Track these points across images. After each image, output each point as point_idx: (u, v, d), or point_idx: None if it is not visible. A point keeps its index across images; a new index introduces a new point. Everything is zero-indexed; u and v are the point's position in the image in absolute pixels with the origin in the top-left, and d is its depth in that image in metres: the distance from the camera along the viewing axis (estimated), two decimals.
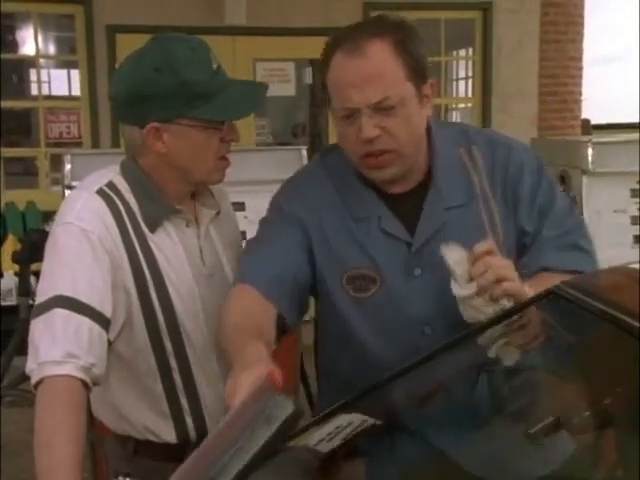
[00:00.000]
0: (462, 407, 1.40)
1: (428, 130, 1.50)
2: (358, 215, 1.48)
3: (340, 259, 1.47)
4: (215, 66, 1.42)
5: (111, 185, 1.46)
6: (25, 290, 2.93)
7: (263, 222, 1.56)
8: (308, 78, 7.65)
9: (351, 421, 1.35)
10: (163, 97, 1.38)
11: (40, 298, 1.33)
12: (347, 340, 1.51)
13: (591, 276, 1.38)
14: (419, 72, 1.41)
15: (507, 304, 1.28)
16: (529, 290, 1.31)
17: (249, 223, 3.06)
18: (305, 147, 3.32)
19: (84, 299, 1.32)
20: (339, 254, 1.47)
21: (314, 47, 6.98)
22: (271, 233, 1.50)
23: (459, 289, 1.29)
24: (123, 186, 1.47)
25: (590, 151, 3.05)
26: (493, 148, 1.51)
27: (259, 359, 1.14)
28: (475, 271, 1.27)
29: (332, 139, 6.66)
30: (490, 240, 1.33)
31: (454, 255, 1.31)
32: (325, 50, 1.43)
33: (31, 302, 2.85)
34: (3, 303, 5.17)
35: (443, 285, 1.39)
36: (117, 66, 1.43)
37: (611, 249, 2.99)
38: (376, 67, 1.37)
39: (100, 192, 1.44)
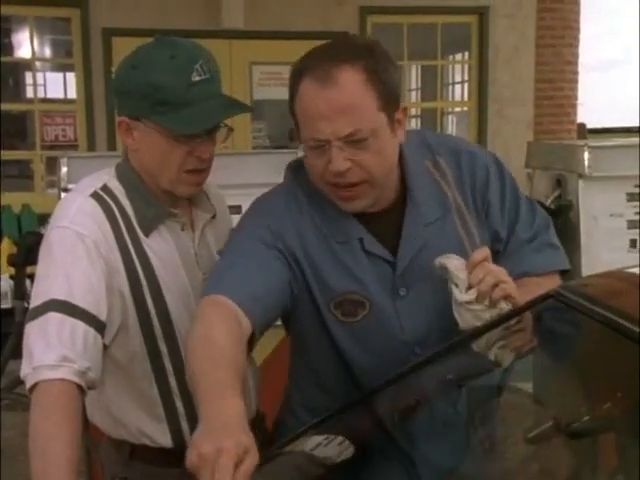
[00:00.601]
0: (445, 420, 1.40)
1: (401, 154, 1.43)
2: (339, 238, 1.41)
3: (327, 284, 1.40)
4: (197, 79, 1.38)
5: (106, 188, 1.46)
6: (21, 293, 2.92)
7: (241, 234, 1.43)
8: None
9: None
10: (133, 94, 1.40)
11: (35, 302, 1.32)
12: (335, 360, 1.46)
13: (588, 280, 1.38)
14: (391, 100, 1.34)
15: (505, 307, 1.29)
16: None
17: None
18: (301, 150, 3.31)
19: (79, 303, 1.31)
20: (326, 278, 1.40)
21: None
22: (253, 248, 1.38)
23: (460, 294, 1.29)
24: (118, 189, 1.46)
25: (587, 155, 3.04)
26: (457, 157, 1.47)
27: (242, 425, 1.01)
28: (475, 277, 1.27)
29: None
30: (486, 248, 1.33)
31: (455, 262, 1.31)
32: (292, 76, 1.35)
33: (27, 305, 2.84)
34: None
35: (428, 303, 1.40)
36: (114, 70, 1.44)
37: (608, 253, 3.00)
38: (348, 98, 1.28)
39: (95, 195, 1.43)
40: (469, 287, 1.28)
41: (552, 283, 1.41)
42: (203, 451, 0.95)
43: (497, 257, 1.45)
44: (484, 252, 1.30)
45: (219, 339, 1.17)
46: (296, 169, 1.48)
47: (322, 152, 1.31)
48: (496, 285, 1.27)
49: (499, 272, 1.29)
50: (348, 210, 1.39)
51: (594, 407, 1.12)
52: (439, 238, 1.41)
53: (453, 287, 1.30)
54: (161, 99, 1.38)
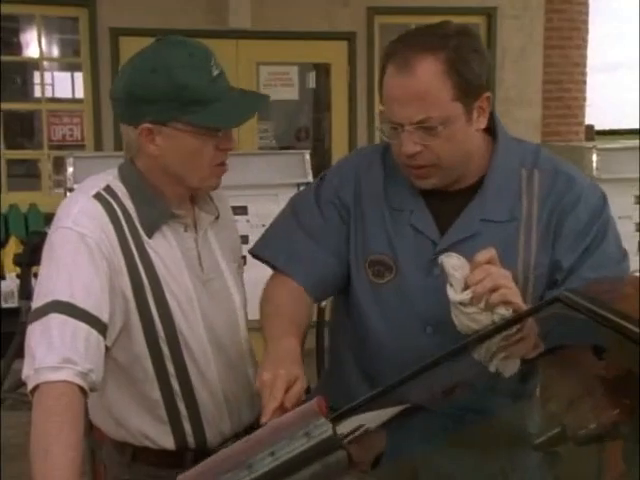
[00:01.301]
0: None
1: (494, 136, 1.50)
2: (394, 206, 1.51)
3: (367, 243, 1.51)
4: (215, 73, 1.41)
5: (108, 189, 1.45)
6: (26, 293, 2.93)
7: (310, 195, 1.59)
8: (311, 82, 7.64)
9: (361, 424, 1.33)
10: (158, 99, 1.38)
11: (37, 302, 1.32)
12: (358, 325, 1.54)
13: (596, 284, 1.36)
14: (470, 90, 1.39)
15: (505, 313, 1.26)
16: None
17: (251, 227, 3.05)
18: (308, 151, 3.30)
19: (81, 304, 1.30)
20: (368, 238, 1.51)
21: (318, 51, 7.02)
22: (318, 223, 1.55)
23: (454, 294, 1.28)
24: (121, 190, 1.45)
25: (595, 157, 3.03)
26: (555, 176, 1.47)
27: (295, 359, 1.29)
28: (473, 277, 1.26)
29: (335, 143, 6.66)
30: (492, 250, 1.30)
31: (453, 261, 1.30)
32: (383, 57, 1.45)
33: (32, 305, 2.84)
34: (4, 305, 5.16)
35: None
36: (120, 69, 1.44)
37: None
38: (421, 87, 1.36)
39: (97, 196, 1.43)
40: (465, 287, 1.27)
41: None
42: (264, 378, 1.23)
43: (554, 287, 1.44)
44: (489, 253, 1.28)
45: (284, 301, 1.48)
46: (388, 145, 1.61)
47: (397, 134, 1.41)
48: (495, 289, 1.25)
49: (501, 276, 1.27)
50: (420, 187, 1.48)
51: (601, 413, 1.10)
52: (492, 238, 1.42)
53: (448, 286, 1.28)
54: (190, 98, 1.37)
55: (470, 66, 1.38)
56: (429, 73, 1.36)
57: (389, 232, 1.50)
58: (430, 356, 1.26)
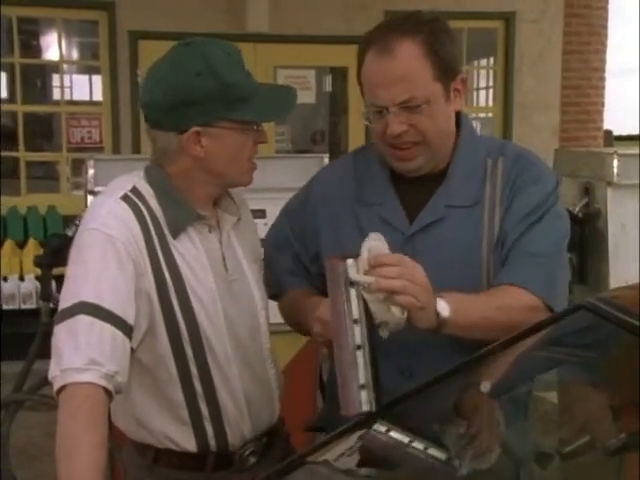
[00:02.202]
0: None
1: (458, 127, 1.56)
2: (366, 200, 1.57)
3: (340, 243, 1.54)
4: (247, 69, 1.45)
5: (135, 191, 1.45)
6: (46, 294, 2.93)
7: (290, 204, 1.74)
8: (328, 86, 7.66)
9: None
10: (205, 101, 1.39)
11: (64, 304, 1.33)
12: None
13: (620, 291, 1.35)
14: (448, 71, 1.47)
15: (399, 316, 1.29)
16: (445, 308, 1.33)
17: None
18: (327, 155, 3.31)
19: (108, 306, 1.31)
20: (340, 238, 1.56)
21: (335, 55, 7.03)
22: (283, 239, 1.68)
23: (354, 273, 1.29)
24: (147, 192, 1.46)
25: (616, 163, 3.00)
26: (516, 160, 1.55)
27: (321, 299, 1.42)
28: (382, 271, 1.28)
29: (352, 146, 6.66)
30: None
31: (372, 243, 1.32)
32: (360, 47, 1.51)
33: (52, 306, 2.86)
34: (24, 306, 5.21)
35: (432, 275, 1.42)
36: (139, 72, 1.45)
37: (636, 262, 2.95)
38: (403, 68, 1.44)
39: (125, 198, 1.43)
40: (367, 272, 1.28)
41: (509, 298, 1.42)
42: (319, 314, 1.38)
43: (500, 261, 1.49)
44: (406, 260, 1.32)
45: (296, 294, 1.63)
46: (360, 147, 1.75)
47: (381, 116, 1.47)
48: (400, 293, 1.27)
49: (414, 282, 1.29)
50: (404, 170, 1.53)
51: (627, 422, 1.09)
52: (457, 222, 1.50)
53: (350, 261, 1.30)
54: (236, 96, 1.40)
55: (446, 48, 1.47)
56: (409, 55, 1.44)
57: (362, 228, 1.52)
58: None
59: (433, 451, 1.27)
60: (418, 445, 1.28)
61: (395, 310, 1.30)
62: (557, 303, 1.46)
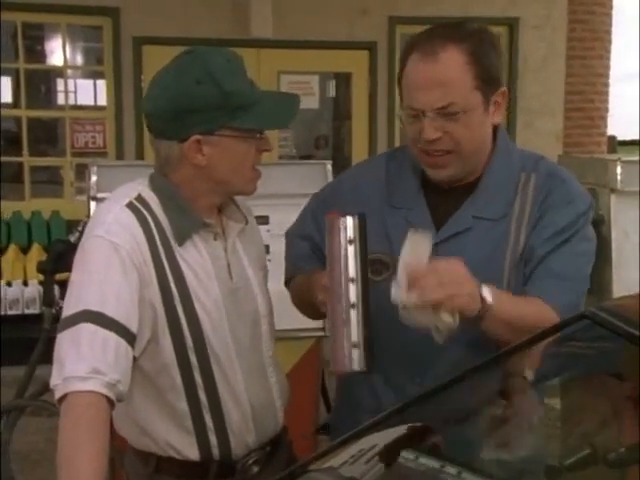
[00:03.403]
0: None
1: (495, 140, 1.55)
2: (395, 204, 1.58)
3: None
4: (249, 77, 1.44)
5: (140, 198, 1.45)
6: (49, 300, 2.93)
7: (317, 195, 1.75)
8: (332, 91, 7.66)
9: (375, 443, 1.33)
10: (205, 109, 1.39)
11: (67, 311, 1.33)
12: None
13: (623, 300, 1.35)
14: (489, 82, 1.47)
15: (449, 321, 1.28)
16: (489, 293, 1.34)
17: (272, 237, 3.05)
18: (330, 161, 3.30)
19: (111, 314, 1.31)
20: (369, 237, 1.54)
21: (338, 60, 7.02)
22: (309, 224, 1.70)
23: (399, 293, 1.28)
24: (152, 199, 1.46)
25: (619, 169, 3.00)
26: (549, 178, 1.53)
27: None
28: (422, 286, 1.27)
29: (355, 151, 6.66)
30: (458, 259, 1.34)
31: (417, 237, 1.31)
32: (404, 49, 1.51)
33: (55, 312, 2.86)
34: (27, 312, 5.21)
35: None
36: (144, 78, 1.45)
37: (638, 270, 2.94)
38: (446, 73, 1.43)
39: (130, 205, 1.43)
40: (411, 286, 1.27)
41: (540, 309, 1.42)
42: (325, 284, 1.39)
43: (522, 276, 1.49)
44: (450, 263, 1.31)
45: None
46: (394, 148, 1.77)
47: (417, 120, 1.46)
48: (447, 299, 1.27)
49: (453, 282, 1.29)
50: (435, 178, 1.53)
51: (630, 433, 1.09)
52: (484, 234, 1.50)
53: (393, 283, 1.29)
54: (236, 104, 1.40)
55: (490, 59, 1.46)
56: (453, 61, 1.43)
57: (388, 231, 1.55)
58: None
59: (467, 475, 1.23)
60: (450, 470, 1.24)
61: (444, 316, 1.28)
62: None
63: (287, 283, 1.74)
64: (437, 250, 1.49)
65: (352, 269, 1.33)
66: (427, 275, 1.28)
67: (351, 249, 1.33)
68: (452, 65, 1.43)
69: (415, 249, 1.31)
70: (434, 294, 1.27)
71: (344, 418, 1.61)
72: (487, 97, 1.46)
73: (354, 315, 1.33)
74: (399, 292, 1.29)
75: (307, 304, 1.60)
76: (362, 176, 1.68)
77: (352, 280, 1.33)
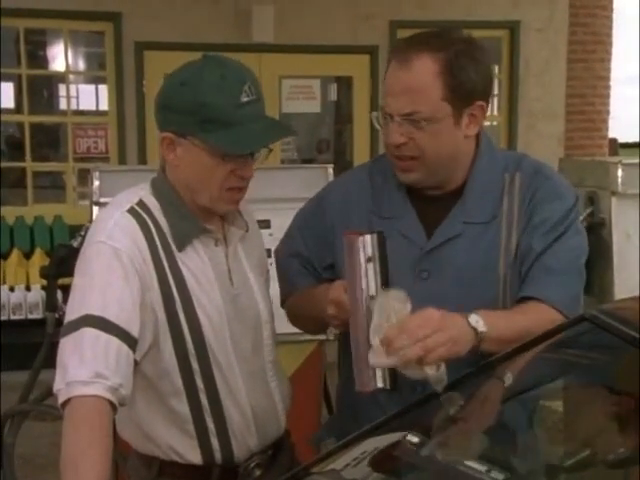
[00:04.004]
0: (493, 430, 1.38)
1: (478, 145, 1.56)
2: (383, 214, 1.57)
3: None
4: (245, 100, 1.39)
5: (142, 204, 1.47)
6: (52, 305, 2.94)
7: (299, 215, 1.74)
8: (333, 95, 7.68)
9: (377, 446, 1.34)
10: (178, 111, 1.41)
11: (70, 316, 1.34)
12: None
13: (624, 303, 1.36)
14: (462, 95, 1.46)
15: (433, 372, 1.25)
16: (479, 321, 1.32)
17: (274, 241, 3.05)
18: (331, 165, 3.31)
19: (113, 319, 1.32)
20: None
21: (340, 64, 7.03)
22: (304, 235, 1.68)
23: (380, 361, 1.27)
24: (154, 205, 1.47)
25: (620, 172, 3.00)
26: (534, 175, 1.54)
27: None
28: (399, 343, 1.25)
29: (356, 155, 6.67)
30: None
31: (392, 303, 1.28)
32: (389, 55, 1.54)
33: (58, 317, 2.87)
34: (30, 316, 5.22)
35: (446, 291, 1.46)
36: (146, 84, 1.46)
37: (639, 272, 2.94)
38: (415, 81, 1.45)
39: (131, 211, 1.45)
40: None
41: (538, 315, 1.41)
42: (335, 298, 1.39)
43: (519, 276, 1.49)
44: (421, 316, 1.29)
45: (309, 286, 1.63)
46: (376, 157, 1.75)
47: (387, 123, 1.49)
48: (428, 352, 1.24)
49: (430, 336, 1.25)
50: (404, 181, 1.55)
51: (630, 436, 1.09)
52: (475, 238, 1.50)
53: (370, 351, 1.27)
54: (209, 117, 1.38)
55: (466, 72, 1.46)
56: (424, 69, 1.44)
57: None
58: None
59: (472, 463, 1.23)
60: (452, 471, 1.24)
61: (428, 369, 1.25)
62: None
63: (283, 303, 1.73)
64: (430, 257, 1.51)
65: (373, 287, 1.33)
66: (399, 336, 1.25)
67: (370, 267, 1.33)
68: (422, 74, 1.44)
69: (386, 309, 1.29)
70: (411, 353, 1.24)
71: (345, 426, 1.60)
72: (459, 109, 1.46)
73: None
74: (377, 359, 1.27)
75: (310, 319, 1.60)
76: (346, 188, 1.66)
77: (372, 298, 1.32)
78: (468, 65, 1.46)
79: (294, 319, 1.73)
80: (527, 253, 1.49)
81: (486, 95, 1.51)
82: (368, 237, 1.34)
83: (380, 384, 1.34)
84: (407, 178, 1.53)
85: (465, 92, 1.46)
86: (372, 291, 1.32)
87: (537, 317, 1.42)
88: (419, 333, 1.25)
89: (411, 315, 1.29)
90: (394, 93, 1.47)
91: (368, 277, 1.33)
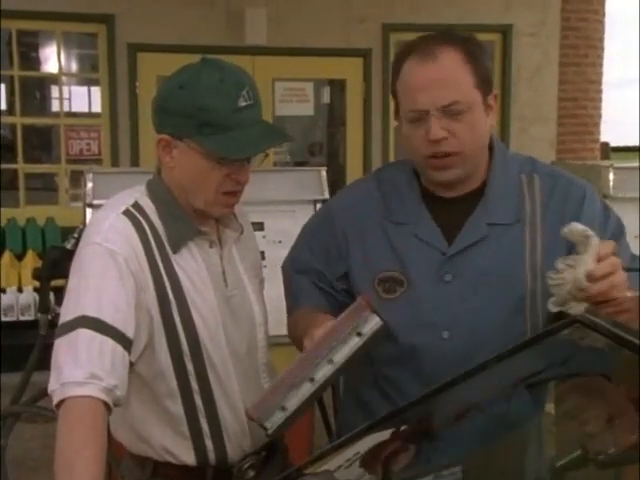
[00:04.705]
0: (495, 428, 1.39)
1: (491, 145, 1.56)
2: (397, 219, 1.55)
3: (373, 262, 1.53)
4: (243, 104, 1.39)
5: (137, 206, 1.47)
6: (45, 306, 2.94)
7: (307, 228, 1.71)
8: (326, 98, 7.69)
9: (370, 447, 1.34)
10: (176, 114, 1.41)
11: (64, 317, 1.34)
12: None
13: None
14: (486, 82, 1.48)
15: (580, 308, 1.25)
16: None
17: (267, 243, 3.06)
18: (324, 168, 3.32)
19: (108, 320, 1.32)
20: (372, 257, 1.54)
21: (333, 67, 7.06)
22: (316, 250, 1.64)
23: (581, 278, 1.24)
24: (149, 207, 1.48)
25: (612, 176, 3.03)
26: (555, 180, 1.54)
27: (329, 318, 1.39)
28: (601, 270, 1.25)
29: (349, 158, 6.69)
30: (611, 242, 1.32)
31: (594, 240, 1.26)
32: (397, 57, 1.51)
33: (50, 318, 2.87)
34: (22, 318, 5.21)
35: (471, 294, 1.45)
36: (138, 85, 1.46)
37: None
38: (447, 72, 1.43)
39: (127, 213, 1.45)
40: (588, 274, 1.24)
41: None
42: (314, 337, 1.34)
43: None
44: (611, 245, 1.30)
45: (304, 310, 1.59)
46: (381, 167, 1.74)
47: (420, 123, 1.44)
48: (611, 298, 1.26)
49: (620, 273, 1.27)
50: (441, 180, 1.50)
51: (622, 436, 1.10)
52: (499, 240, 1.48)
53: (579, 261, 1.25)
54: (206, 121, 1.38)
55: (483, 60, 1.48)
56: (453, 60, 1.44)
57: (395, 247, 1.52)
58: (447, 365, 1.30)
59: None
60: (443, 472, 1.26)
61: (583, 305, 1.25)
62: None
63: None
64: (453, 261, 1.48)
65: (340, 355, 1.30)
66: (603, 264, 1.26)
67: (354, 340, 1.30)
68: (452, 64, 1.43)
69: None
70: (614, 279, 1.26)
71: (352, 422, 1.60)
72: (485, 97, 1.47)
73: (306, 388, 1.31)
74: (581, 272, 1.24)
75: (299, 340, 1.56)
76: (353, 198, 1.63)
77: (332, 362, 1.30)
78: (483, 55, 1.49)
79: (292, 337, 1.70)
80: None
81: (493, 83, 1.53)
82: (375, 318, 1.31)
83: (267, 425, 1.32)
84: (446, 176, 1.48)
85: (487, 79, 1.48)
86: (337, 357, 1.30)
87: None
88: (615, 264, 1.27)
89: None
90: (425, 87, 1.42)
91: (345, 344, 1.30)
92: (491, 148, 1.55)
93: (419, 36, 1.52)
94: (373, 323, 1.31)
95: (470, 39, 1.50)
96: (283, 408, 1.31)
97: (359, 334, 1.30)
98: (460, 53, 1.44)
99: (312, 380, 1.30)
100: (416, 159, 1.52)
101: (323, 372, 1.29)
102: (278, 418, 1.31)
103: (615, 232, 1.51)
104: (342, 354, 1.29)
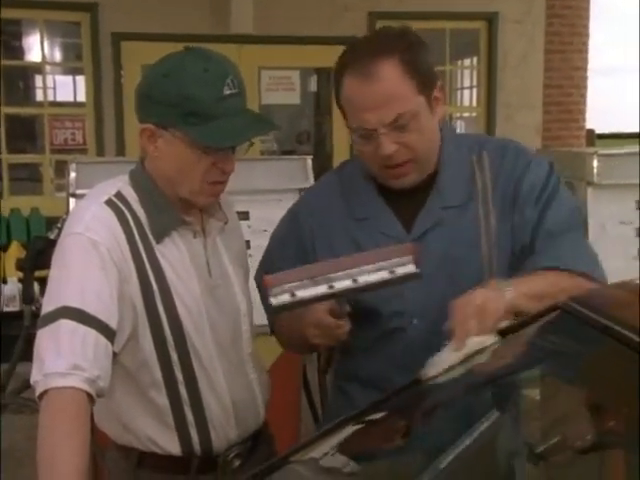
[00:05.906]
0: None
1: (441, 133, 1.57)
2: (359, 216, 1.58)
3: (337, 256, 1.51)
4: (227, 92, 1.39)
5: (120, 195, 1.46)
6: (29, 297, 2.93)
7: (275, 235, 1.73)
8: (313, 86, 7.67)
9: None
10: (160, 103, 1.40)
11: (47, 308, 1.33)
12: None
13: (597, 292, 1.37)
14: (427, 83, 1.48)
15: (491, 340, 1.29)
16: (512, 295, 1.34)
17: (252, 232, 3.05)
18: (310, 157, 3.30)
19: (91, 310, 1.31)
20: (336, 251, 1.54)
21: (320, 56, 7.03)
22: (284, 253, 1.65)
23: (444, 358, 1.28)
24: (132, 196, 1.47)
25: (596, 163, 3.03)
26: (503, 152, 1.57)
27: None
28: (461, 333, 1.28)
29: (336, 146, 6.68)
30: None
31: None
32: (336, 70, 1.50)
33: (35, 309, 2.85)
34: (6, 309, 5.18)
35: (434, 279, 1.47)
36: (123, 74, 1.45)
37: (616, 261, 2.98)
38: (388, 88, 1.43)
39: (109, 202, 1.44)
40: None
41: (557, 278, 1.43)
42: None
43: (526, 250, 1.50)
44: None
45: None
46: (341, 164, 1.74)
47: (370, 139, 1.47)
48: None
49: (471, 317, 1.29)
50: (398, 187, 1.54)
51: (601, 422, 1.11)
52: (455, 222, 1.52)
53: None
54: (191, 110, 1.38)
55: (422, 60, 1.48)
56: (392, 75, 1.43)
57: (359, 243, 1.54)
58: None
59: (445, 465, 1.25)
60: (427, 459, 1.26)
61: (485, 339, 1.28)
62: (599, 268, 1.52)
63: (272, 332, 1.71)
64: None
65: (364, 279, 1.37)
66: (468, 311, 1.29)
67: (384, 274, 1.37)
68: (391, 79, 1.43)
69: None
70: (469, 328, 1.28)
71: (337, 412, 1.61)
72: (429, 98, 1.48)
73: (321, 289, 1.36)
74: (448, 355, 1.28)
75: (299, 339, 1.53)
76: (317, 200, 1.67)
77: (355, 282, 1.37)
78: (420, 52, 1.48)
79: (286, 344, 1.72)
80: (524, 227, 1.50)
81: (436, 73, 1.53)
82: (412, 267, 1.38)
83: (273, 300, 1.36)
84: (403, 183, 1.52)
85: (428, 79, 1.48)
86: (360, 279, 1.37)
87: (558, 280, 1.42)
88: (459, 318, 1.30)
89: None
90: (369, 108, 1.44)
91: (374, 273, 1.38)
92: (441, 136, 1.57)
93: (351, 44, 1.51)
94: (409, 269, 1.38)
95: (405, 37, 1.48)
96: (293, 294, 1.36)
97: (392, 272, 1.36)
98: (397, 65, 1.43)
99: (330, 286, 1.36)
100: (371, 169, 1.55)
101: (343, 285, 1.36)
102: (283, 300, 1.36)
103: (550, 197, 1.52)
104: (366, 279, 1.36)
